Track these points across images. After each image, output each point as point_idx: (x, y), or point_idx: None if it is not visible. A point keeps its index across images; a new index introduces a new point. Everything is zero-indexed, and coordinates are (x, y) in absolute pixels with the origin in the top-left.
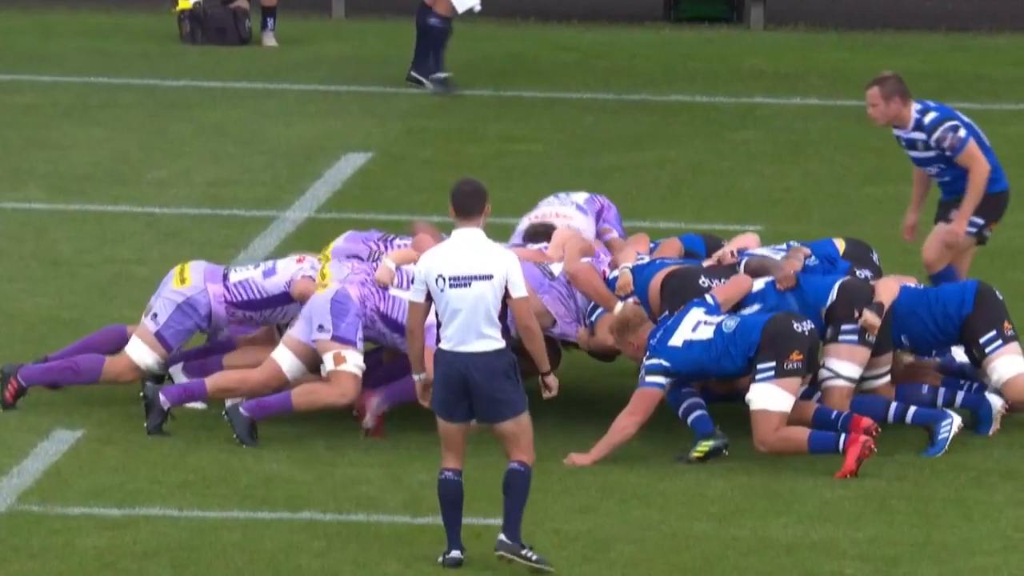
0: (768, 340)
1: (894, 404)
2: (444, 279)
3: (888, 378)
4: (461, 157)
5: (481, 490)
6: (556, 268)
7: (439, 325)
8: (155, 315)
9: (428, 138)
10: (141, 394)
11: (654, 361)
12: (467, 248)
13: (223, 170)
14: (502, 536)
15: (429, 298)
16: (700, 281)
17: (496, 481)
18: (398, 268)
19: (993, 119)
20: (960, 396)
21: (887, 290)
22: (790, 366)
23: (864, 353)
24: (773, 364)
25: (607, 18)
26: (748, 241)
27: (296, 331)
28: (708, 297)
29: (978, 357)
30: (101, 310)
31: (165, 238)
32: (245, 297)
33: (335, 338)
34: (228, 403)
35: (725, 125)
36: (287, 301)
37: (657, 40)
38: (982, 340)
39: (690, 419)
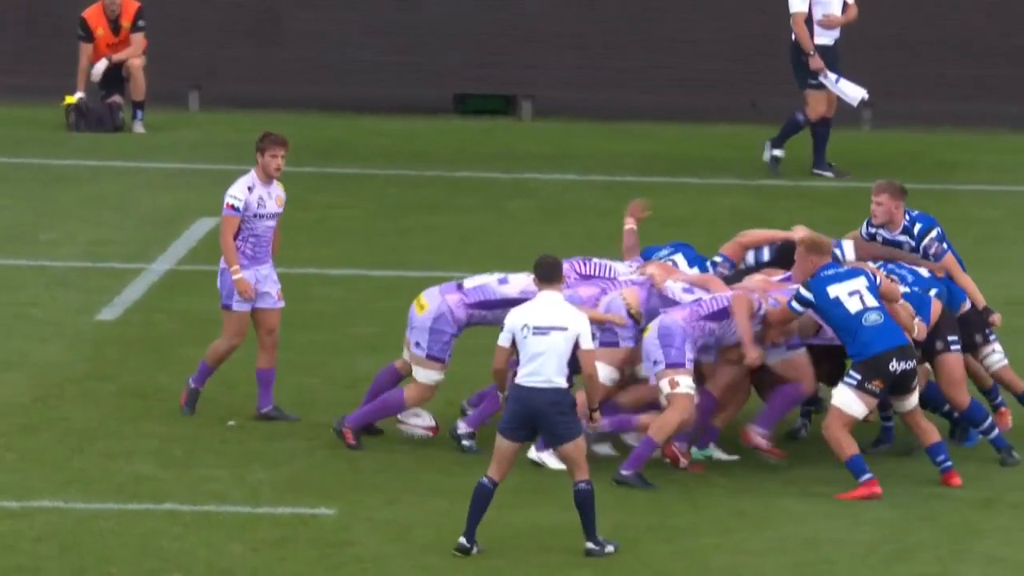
0: (870, 362)
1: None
2: (529, 328)
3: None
4: (293, 221)
5: (314, 485)
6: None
7: (518, 364)
8: (417, 343)
9: None
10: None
11: (806, 293)
12: (550, 306)
13: (102, 231)
14: (589, 544)
15: (514, 345)
16: None
17: (321, 478)
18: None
19: (713, 192)
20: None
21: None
22: (870, 387)
23: None
24: (859, 378)
25: (408, 111)
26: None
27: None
28: (875, 277)
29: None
30: (3, 344)
31: (55, 286)
32: (481, 298)
33: (668, 366)
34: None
35: (501, 196)
36: (512, 306)
37: (448, 128)
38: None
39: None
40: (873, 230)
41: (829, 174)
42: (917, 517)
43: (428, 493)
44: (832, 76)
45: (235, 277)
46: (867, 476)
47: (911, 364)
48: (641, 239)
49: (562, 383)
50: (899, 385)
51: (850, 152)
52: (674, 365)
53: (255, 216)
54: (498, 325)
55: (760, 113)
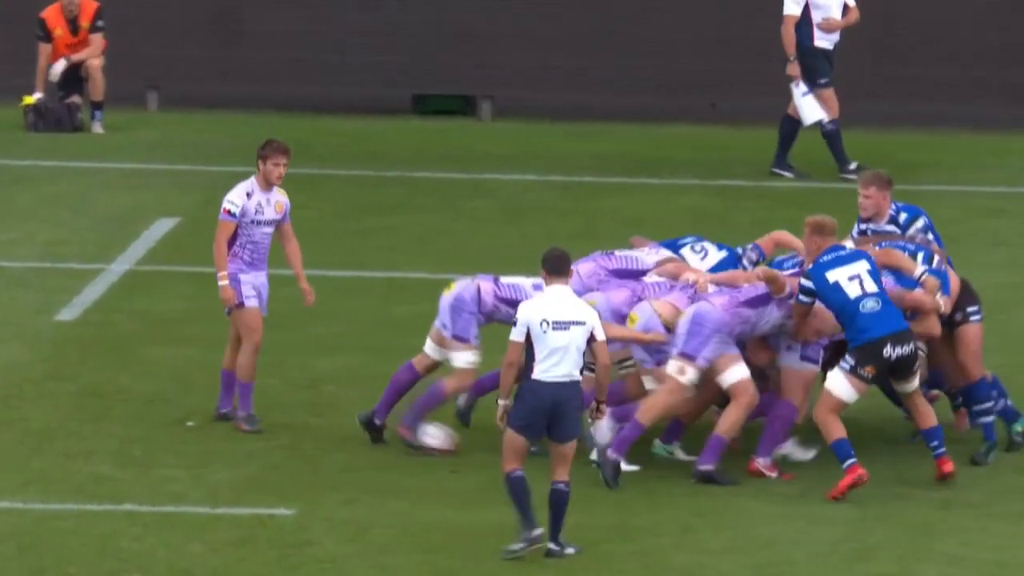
0: (865, 348)
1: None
2: (548, 323)
3: None
4: None
5: (273, 485)
6: None
7: (533, 359)
8: (444, 324)
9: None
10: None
11: (807, 283)
12: (564, 300)
13: (60, 232)
14: (551, 545)
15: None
16: None
17: (280, 478)
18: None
19: (673, 191)
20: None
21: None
22: (862, 372)
23: None
24: (853, 363)
25: (367, 111)
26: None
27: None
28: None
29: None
30: None
31: (14, 286)
32: (512, 296)
33: (680, 354)
34: (597, 454)
35: (460, 196)
36: None
37: (407, 129)
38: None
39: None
40: (864, 226)
41: (788, 174)
42: (877, 517)
43: (387, 494)
44: (803, 87)
45: (221, 284)
46: (851, 461)
47: (908, 348)
48: (600, 241)
49: (579, 377)
50: (898, 370)
51: (808, 152)
52: (687, 355)
53: (252, 223)
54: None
55: (720, 114)
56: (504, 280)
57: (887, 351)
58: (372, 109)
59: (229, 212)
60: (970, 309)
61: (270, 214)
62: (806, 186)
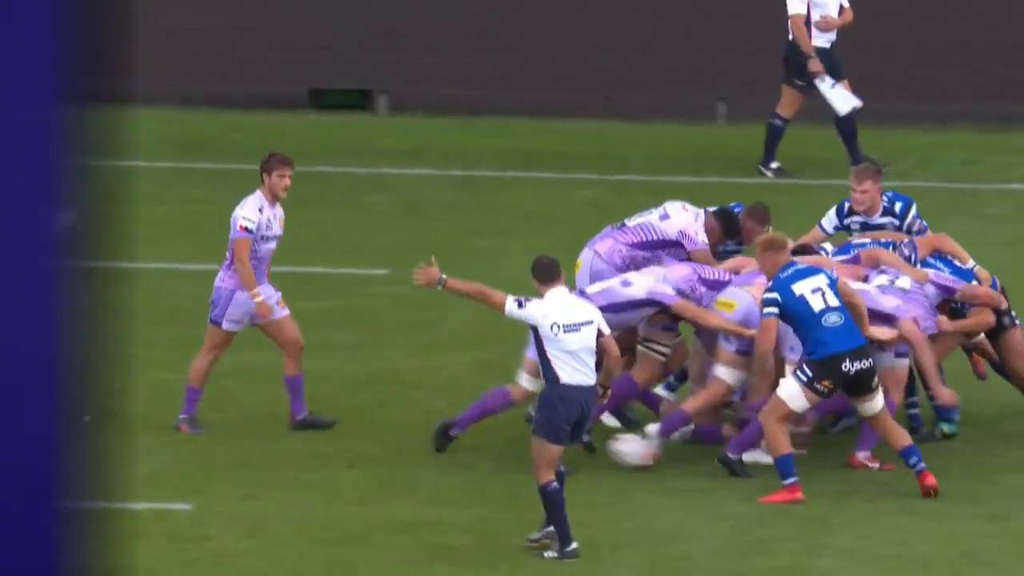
0: (823, 361)
1: None
2: (559, 326)
3: None
4: (151, 216)
5: (171, 480)
6: (903, 282)
7: (546, 363)
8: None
9: (121, 201)
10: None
11: (771, 295)
12: (568, 302)
13: None
14: (568, 547)
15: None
16: None
17: (178, 473)
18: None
19: (571, 186)
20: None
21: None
22: (818, 386)
23: None
24: (810, 375)
25: (266, 106)
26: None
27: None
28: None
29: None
30: None
31: None
32: (607, 301)
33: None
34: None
35: (361, 191)
36: (638, 307)
37: (305, 124)
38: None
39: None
40: (847, 220)
41: (768, 174)
42: (773, 511)
43: (285, 488)
44: (828, 80)
45: (257, 300)
46: (791, 480)
47: (867, 364)
48: (499, 235)
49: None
50: (856, 385)
51: (703, 147)
52: None
53: (261, 238)
54: (619, 328)
55: (616, 108)
56: (591, 290)
57: (846, 366)
58: (269, 104)
59: (246, 229)
60: (1012, 313)
61: (276, 229)
62: (700, 180)
